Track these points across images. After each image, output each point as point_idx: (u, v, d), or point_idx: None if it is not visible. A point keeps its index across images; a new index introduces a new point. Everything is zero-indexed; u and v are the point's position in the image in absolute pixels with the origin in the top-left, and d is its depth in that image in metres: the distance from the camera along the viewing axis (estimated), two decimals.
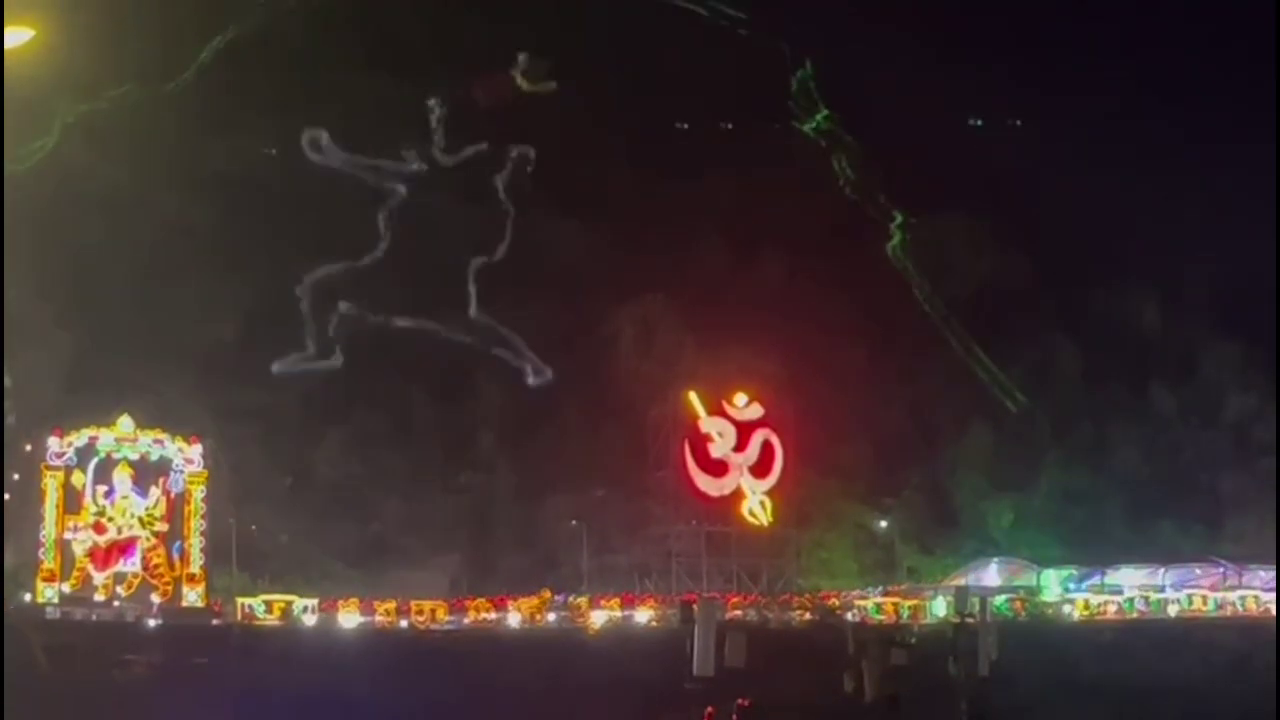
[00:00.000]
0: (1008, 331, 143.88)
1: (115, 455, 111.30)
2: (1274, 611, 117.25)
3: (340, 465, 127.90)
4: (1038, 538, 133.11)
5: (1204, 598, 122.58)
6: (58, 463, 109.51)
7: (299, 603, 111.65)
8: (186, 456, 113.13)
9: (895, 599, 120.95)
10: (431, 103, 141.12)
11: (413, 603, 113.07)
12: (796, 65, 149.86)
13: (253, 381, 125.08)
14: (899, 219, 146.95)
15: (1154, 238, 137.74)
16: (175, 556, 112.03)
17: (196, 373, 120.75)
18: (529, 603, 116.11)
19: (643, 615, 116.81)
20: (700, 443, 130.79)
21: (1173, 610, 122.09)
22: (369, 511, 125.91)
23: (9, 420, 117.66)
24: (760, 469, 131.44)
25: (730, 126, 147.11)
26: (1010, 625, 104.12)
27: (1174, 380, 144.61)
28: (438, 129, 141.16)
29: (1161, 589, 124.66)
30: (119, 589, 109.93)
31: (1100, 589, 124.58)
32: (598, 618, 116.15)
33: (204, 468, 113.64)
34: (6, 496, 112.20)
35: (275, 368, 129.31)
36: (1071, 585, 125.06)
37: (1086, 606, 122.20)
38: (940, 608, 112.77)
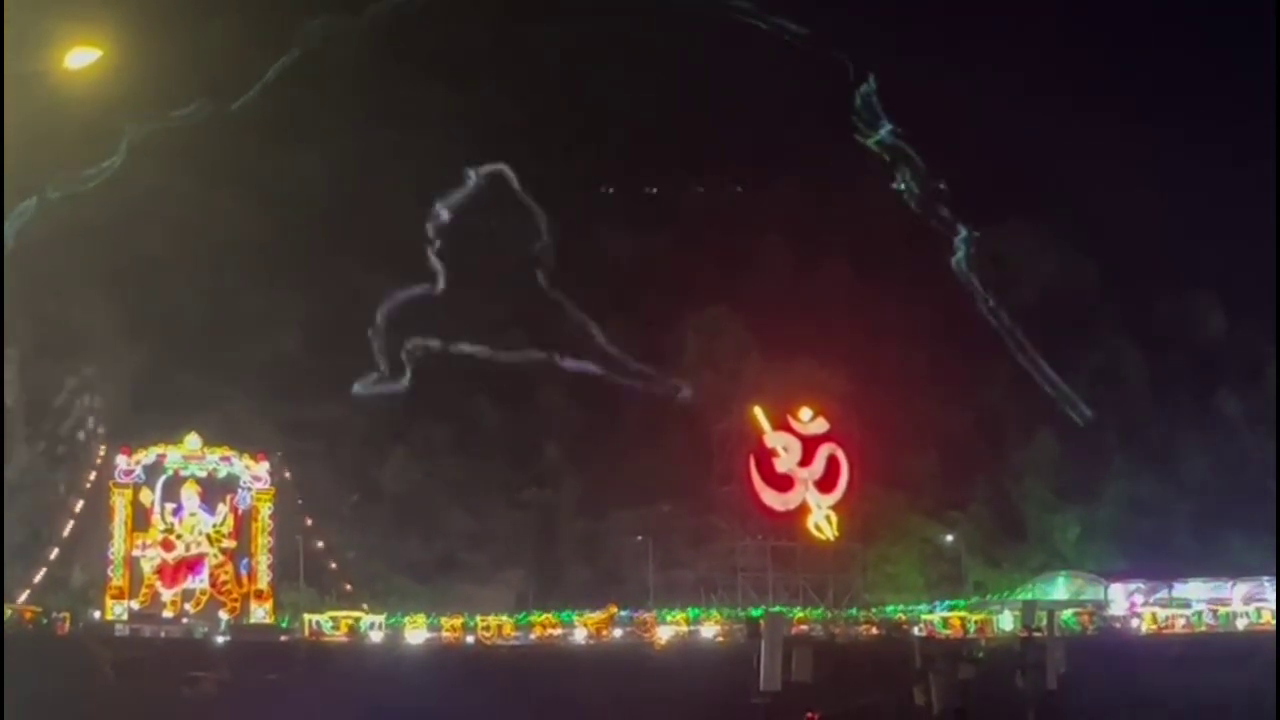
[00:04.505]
0: (1073, 343, 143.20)
1: (183, 473, 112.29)
2: None
3: (406, 481, 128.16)
4: (1105, 551, 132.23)
5: (1272, 611, 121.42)
6: (126, 480, 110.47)
7: (366, 619, 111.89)
8: (254, 473, 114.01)
9: (962, 613, 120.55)
10: (496, 118, 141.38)
11: (479, 618, 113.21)
12: (860, 80, 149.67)
13: (319, 399, 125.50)
14: (963, 232, 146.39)
15: (1220, 245, 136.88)
16: (243, 573, 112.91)
17: (264, 390, 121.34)
18: (595, 618, 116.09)
19: (709, 630, 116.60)
20: (765, 457, 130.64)
21: (1241, 624, 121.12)
22: (435, 527, 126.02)
23: (80, 438, 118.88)
24: (825, 483, 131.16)
25: (795, 141, 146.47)
26: (1078, 639, 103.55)
27: (1241, 389, 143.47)
28: (503, 144, 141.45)
29: (1229, 602, 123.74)
30: (187, 605, 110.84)
31: (1168, 602, 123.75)
32: (664, 632, 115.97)
33: (271, 485, 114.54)
34: (76, 511, 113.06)
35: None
36: (1139, 598, 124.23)
37: (1154, 620, 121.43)
38: (1007, 621, 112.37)
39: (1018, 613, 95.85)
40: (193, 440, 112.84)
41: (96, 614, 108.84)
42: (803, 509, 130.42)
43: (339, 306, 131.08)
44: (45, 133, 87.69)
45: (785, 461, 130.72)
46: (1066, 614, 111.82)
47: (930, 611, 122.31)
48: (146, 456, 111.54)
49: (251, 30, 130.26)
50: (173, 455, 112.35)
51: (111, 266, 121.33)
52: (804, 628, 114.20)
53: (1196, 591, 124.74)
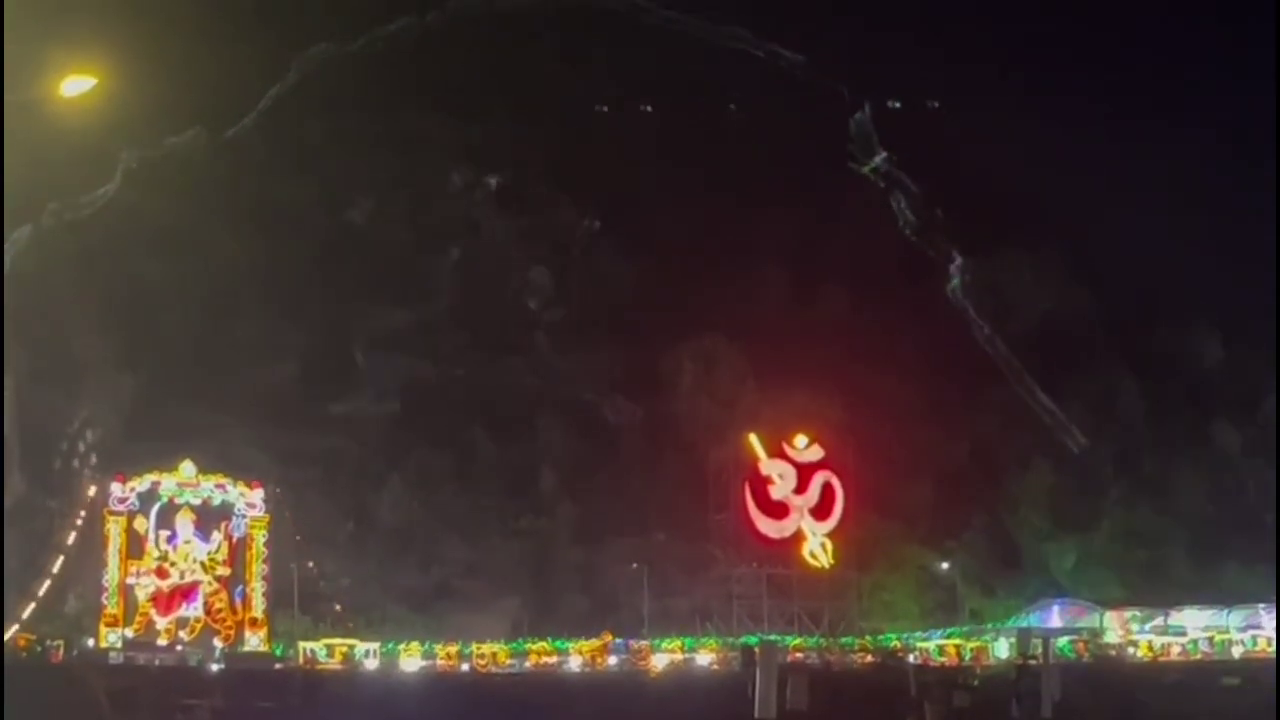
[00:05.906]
0: (1069, 371, 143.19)
1: (178, 500, 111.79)
2: None
3: (401, 509, 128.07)
4: (1100, 579, 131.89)
5: (1269, 639, 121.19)
6: (120, 508, 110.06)
7: (360, 647, 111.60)
8: (248, 501, 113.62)
9: (958, 641, 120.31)
10: (491, 145, 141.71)
11: (474, 646, 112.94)
12: (855, 108, 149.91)
13: (314, 426, 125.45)
14: (958, 260, 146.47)
15: (1218, 274, 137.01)
16: (237, 601, 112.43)
17: (258, 418, 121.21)
18: (590, 645, 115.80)
19: (704, 658, 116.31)
20: (761, 485, 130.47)
21: (1237, 651, 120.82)
22: (430, 555, 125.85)
23: (74, 465, 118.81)
24: (821, 511, 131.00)
25: (791, 169, 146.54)
26: (1073, 667, 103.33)
27: (1238, 418, 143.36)
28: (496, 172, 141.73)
29: (1226, 630, 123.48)
30: (182, 633, 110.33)
31: (1164, 630, 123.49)
32: (659, 660, 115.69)
33: (266, 512, 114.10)
34: (70, 539, 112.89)
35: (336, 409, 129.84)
36: (1135, 627, 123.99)
37: (1150, 648, 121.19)
38: (1003, 649, 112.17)
39: (1013, 640, 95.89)
40: (187, 467, 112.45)
41: (91, 642, 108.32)
42: (798, 536, 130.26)
43: (335, 334, 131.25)
44: (41, 160, 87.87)
45: (780, 489, 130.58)
46: (1062, 641, 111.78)
47: (926, 639, 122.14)
48: (141, 484, 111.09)
49: (247, 58, 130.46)
50: (167, 482, 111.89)
51: (107, 293, 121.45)
52: (799, 655, 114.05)
53: (1193, 619, 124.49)
